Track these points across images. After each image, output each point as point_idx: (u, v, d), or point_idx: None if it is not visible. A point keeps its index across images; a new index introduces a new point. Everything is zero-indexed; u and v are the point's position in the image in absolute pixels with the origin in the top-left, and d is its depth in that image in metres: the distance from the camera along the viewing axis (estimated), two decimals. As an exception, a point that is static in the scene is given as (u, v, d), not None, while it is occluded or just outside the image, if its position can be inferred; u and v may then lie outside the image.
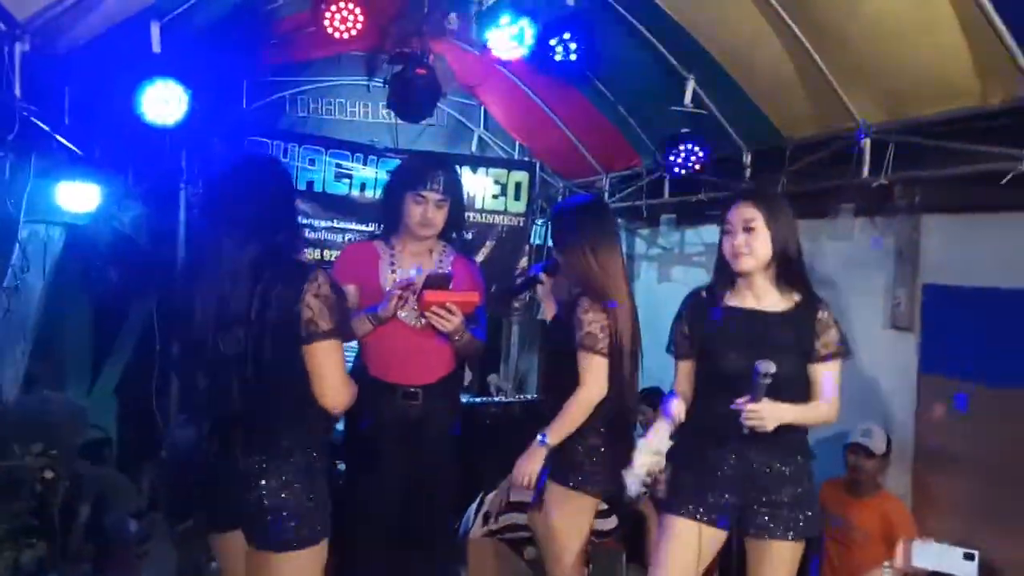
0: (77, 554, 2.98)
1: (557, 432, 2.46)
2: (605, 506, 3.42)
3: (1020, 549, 2.89)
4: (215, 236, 1.90)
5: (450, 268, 2.71)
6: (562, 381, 2.50)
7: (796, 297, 2.24)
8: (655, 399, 4.08)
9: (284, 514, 1.88)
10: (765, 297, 2.24)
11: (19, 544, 2.55)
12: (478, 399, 4.49)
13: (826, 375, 2.22)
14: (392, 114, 4.06)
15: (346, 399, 1.97)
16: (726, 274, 2.26)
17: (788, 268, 2.22)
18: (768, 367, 2.04)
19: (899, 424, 3.24)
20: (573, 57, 3.30)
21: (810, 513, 2.23)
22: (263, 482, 1.89)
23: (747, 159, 3.79)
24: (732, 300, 2.26)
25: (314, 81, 5.04)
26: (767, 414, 2.09)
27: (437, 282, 2.52)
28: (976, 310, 3.13)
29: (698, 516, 2.23)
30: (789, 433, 2.18)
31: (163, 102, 2.95)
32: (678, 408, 2.34)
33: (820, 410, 2.22)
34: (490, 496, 3.50)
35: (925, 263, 3.33)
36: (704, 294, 2.33)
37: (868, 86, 2.98)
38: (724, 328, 2.23)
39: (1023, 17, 2.26)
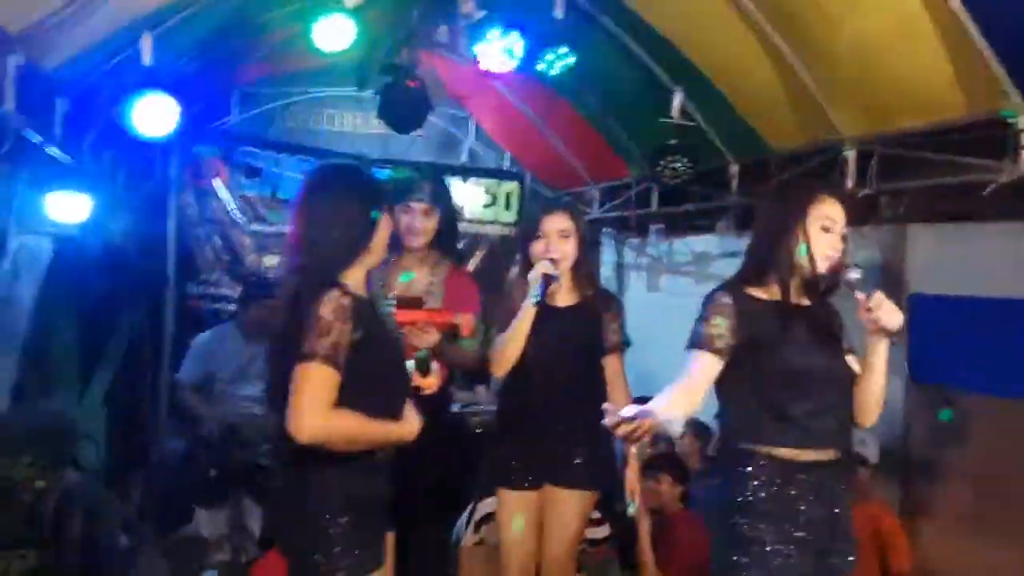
0: (68, 566, 2.97)
1: None
2: (597, 514, 3.44)
3: (1009, 557, 2.93)
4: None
5: (443, 279, 2.73)
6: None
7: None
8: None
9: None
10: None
11: (10, 554, 2.54)
12: (466, 408, 4.50)
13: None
14: (383, 125, 4.08)
15: (309, 428, 1.72)
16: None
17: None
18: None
19: (889, 433, 3.28)
20: (562, 70, 3.35)
21: None
22: None
23: (733, 170, 3.83)
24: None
25: (304, 92, 5.06)
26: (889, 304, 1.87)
27: (407, 303, 2.54)
28: (963, 319, 3.17)
29: None
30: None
31: (153, 114, 2.96)
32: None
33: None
34: (483, 503, 3.51)
35: (911, 273, 3.38)
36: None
37: (852, 99, 3.02)
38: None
39: (1002, 33, 2.31)
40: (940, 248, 3.29)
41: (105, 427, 4.47)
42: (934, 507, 3.28)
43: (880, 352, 1.93)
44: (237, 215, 4.72)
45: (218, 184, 4.68)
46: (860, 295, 1.89)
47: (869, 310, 1.86)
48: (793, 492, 1.89)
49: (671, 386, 1.95)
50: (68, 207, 2.97)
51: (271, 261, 4.75)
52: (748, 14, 2.99)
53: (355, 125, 5.05)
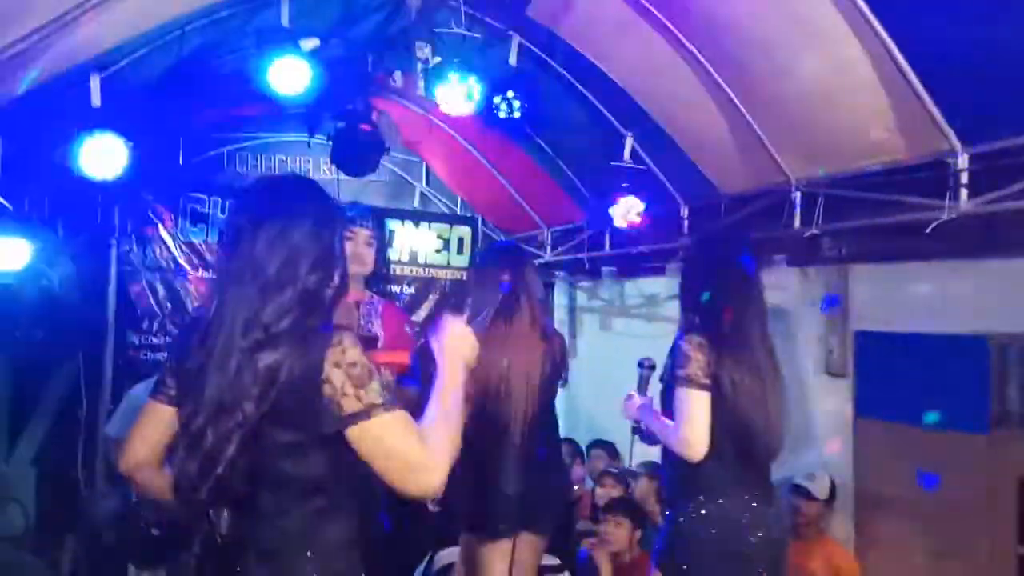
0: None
1: None
2: (556, 561, 3.38)
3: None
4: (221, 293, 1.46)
5: (380, 312, 2.69)
6: None
7: None
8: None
9: None
10: None
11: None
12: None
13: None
14: (334, 170, 4.05)
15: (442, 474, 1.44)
16: None
17: None
18: (650, 360, 2.40)
19: (838, 468, 3.33)
20: (517, 114, 3.40)
21: None
22: None
23: (684, 212, 3.93)
24: None
25: (254, 137, 5.00)
26: (627, 404, 2.41)
27: (364, 342, 2.49)
28: (906, 355, 3.28)
29: None
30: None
31: (101, 155, 2.88)
32: None
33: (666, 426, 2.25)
34: (441, 554, 3.41)
35: (855, 311, 3.49)
36: None
37: (798, 144, 3.15)
38: None
39: (941, 79, 2.45)
40: (881, 286, 3.42)
41: (35, 488, 4.22)
42: (886, 541, 3.33)
43: None
44: (181, 262, 4.59)
45: (162, 230, 4.56)
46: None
47: None
48: None
49: None
50: (7, 253, 2.84)
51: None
52: (698, 64, 3.10)
53: (306, 170, 5.00)
